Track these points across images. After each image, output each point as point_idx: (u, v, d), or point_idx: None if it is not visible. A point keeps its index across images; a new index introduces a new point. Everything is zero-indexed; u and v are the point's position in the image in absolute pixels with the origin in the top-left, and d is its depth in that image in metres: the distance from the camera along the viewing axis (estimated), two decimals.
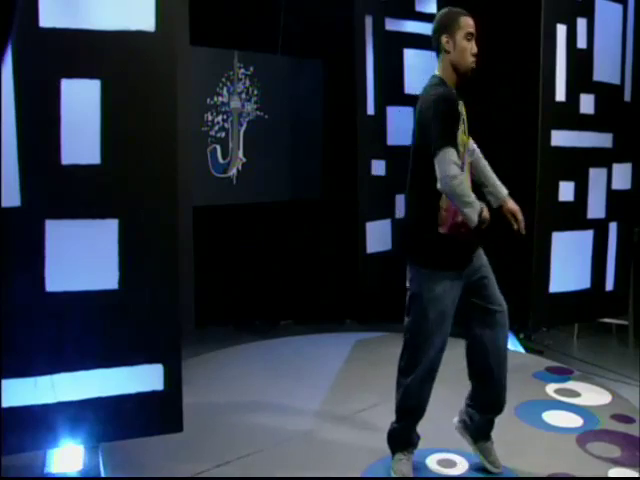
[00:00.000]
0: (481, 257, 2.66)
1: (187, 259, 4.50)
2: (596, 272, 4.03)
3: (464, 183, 2.42)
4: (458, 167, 2.39)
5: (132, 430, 2.60)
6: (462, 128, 2.51)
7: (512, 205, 2.65)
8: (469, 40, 2.53)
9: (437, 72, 2.61)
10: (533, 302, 3.85)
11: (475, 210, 2.39)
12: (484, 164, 2.76)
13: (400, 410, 2.71)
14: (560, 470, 2.77)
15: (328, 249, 5.29)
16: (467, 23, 2.55)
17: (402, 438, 2.73)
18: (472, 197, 2.41)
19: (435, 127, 2.42)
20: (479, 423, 2.76)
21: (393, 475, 2.69)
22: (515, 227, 2.61)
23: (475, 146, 2.77)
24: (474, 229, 2.42)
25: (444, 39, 2.56)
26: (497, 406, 2.74)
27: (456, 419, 2.83)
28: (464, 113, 2.55)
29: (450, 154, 2.38)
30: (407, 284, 2.64)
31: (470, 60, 2.54)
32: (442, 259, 2.54)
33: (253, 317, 5.18)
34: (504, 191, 2.70)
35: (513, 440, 3.05)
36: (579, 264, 3.97)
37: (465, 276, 2.59)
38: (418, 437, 2.75)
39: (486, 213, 2.40)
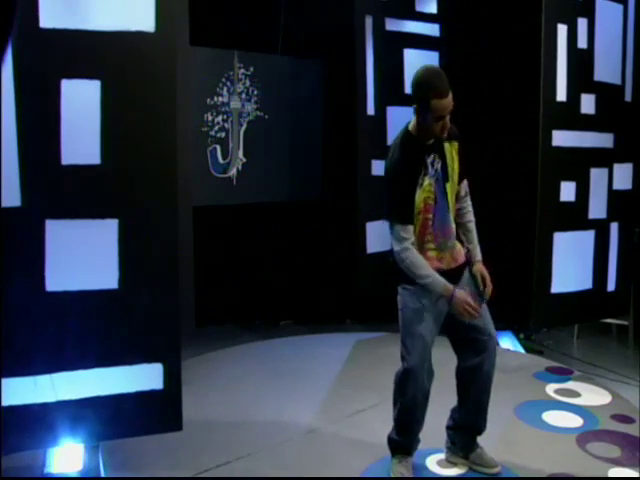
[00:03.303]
0: (470, 285, 2.66)
1: (187, 259, 4.50)
2: (597, 272, 4.02)
3: (413, 255, 2.49)
4: (405, 239, 2.49)
5: (132, 429, 2.60)
6: (427, 178, 2.52)
7: (483, 269, 2.68)
8: (437, 121, 2.44)
9: (410, 124, 2.58)
10: (534, 302, 3.84)
11: (435, 284, 2.47)
12: (469, 220, 2.75)
13: (397, 425, 2.71)
14: (560, 470, 2.77)
15: (328, 249, 5.29)
16: (438, 107, 2.39)
17: (401, 446, 2.74)
18: (426, 270, 2.48)
19: (385, 197, 2.57)
20: (462, 442, 2.79)
21: (392, 476, 2.70)
22: (481, 289, 2.64)
23: (468, 199, 2.76)
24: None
25: (415, 106, 2.48)
26: (474, 428, 2.76)
27: (444, 450, 2.86)
28: (435, 159, 2.54)
29: (397, 231, 2.51)
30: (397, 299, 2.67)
31: (437, 134, 2.50)
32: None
33: (253, 317, 5.18)
34: (478, 256, 2.71)
35: (513, 440, 3.05)
36: (580, 264, 3.97)
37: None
38: (418, 441, 2.75)
39: (457, 296, 2.46)
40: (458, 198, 2.69)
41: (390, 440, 2.76)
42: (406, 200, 2.52)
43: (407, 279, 2.56)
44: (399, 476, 2.68)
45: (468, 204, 2.77)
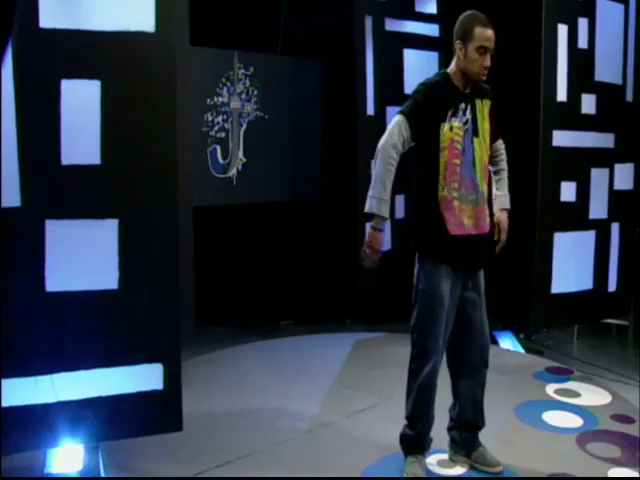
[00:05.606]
0: (480, 280, 2.68)
1: (187, 259, 4.50)
2: (598, 273, 4.02)
3: (390, 166, 2.48)
4: (395, 146, 2.48)
5: (132, 429, 2.60)
6: (456, 120, 2.52)
7: (504, 220, 2.73)
8: (481, 54, 2.48)
9: (447, 69, 2.62)
10: (534, 302, 3.84)
11: (375, 202, 2.47)
12: (501, 169, 2.81)
13: (413, 416, 2.68)
14: (560, 470, 2.77)
15: (328, 249, 5.29)
16: (482, 35, 2.47)
17: (415, 443, 2.72)
18: (385, 189, 2.47)
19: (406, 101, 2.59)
20: (463, 440, 2.79)
21: (405, 476, 2.68)
22: (495, 238, 2.70)
23: (504, 152, 2.82)
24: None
25: (458, 45, 2.53)
26: (472, 425, 2.76)
27: (448, 449, 2.86)
28: (467, 108, 2.55)
29: (399, 123, 2.50)
30: (414, 281, 2.66)
31: (478, 71, 2.52)
32: (442, 253, 2.57)
33: (253, 317, 5.17)
34: (504, 205, 2.76)
35: (513, 440, 3.05)
36: (581, 265, 3.97)
37: (462, 284, 2.61)
38: (431, 439, 2.74)
39: (374, 233, 2.48)
40: (490, 160, 2.69)
41: (402, 439, 2.73)
42: (425, 111, 2.50)
43: (425, 255, 2.57)
44: (412, 476, 2.65)
45: (502, 153, 2.81)
